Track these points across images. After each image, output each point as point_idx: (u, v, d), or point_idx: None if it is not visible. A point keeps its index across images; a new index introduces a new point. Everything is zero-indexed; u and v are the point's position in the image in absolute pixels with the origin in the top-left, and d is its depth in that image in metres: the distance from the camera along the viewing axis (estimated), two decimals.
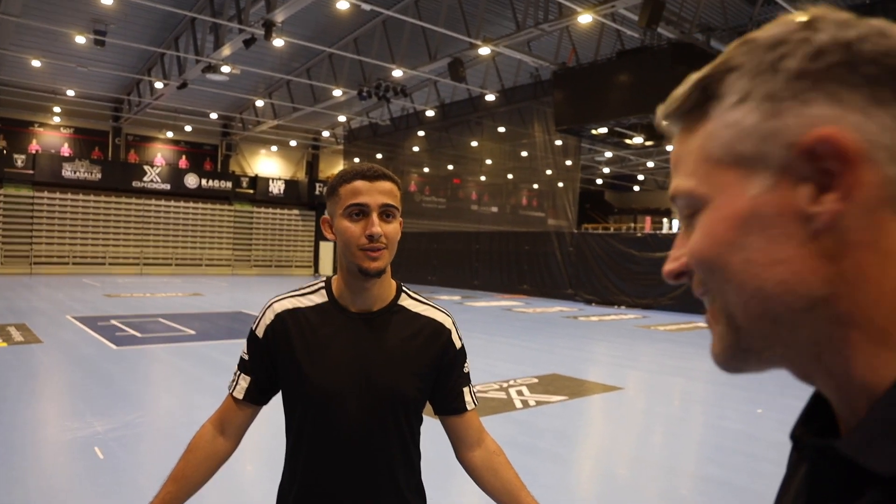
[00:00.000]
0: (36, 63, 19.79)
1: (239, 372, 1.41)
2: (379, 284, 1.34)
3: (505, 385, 6.97)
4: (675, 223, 18.74)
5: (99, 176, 26.38)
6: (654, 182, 38.09)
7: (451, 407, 1.42)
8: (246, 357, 1.41)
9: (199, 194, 28.91)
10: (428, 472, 1.44)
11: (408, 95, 21.00)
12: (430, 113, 23.30)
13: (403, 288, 1.44)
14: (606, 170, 34.28)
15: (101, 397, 6.05)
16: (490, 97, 20.51)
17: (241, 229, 30.26)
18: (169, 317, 12.07)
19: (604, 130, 16.94)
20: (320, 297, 1.39)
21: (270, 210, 31.13)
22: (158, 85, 21.43)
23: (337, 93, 21.05)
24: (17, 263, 24.75)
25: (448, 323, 1.43)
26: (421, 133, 25.63)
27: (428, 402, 1.43)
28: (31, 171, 25.01)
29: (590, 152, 27.92)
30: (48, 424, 5.17)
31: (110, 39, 17.90)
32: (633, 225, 26.00)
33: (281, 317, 1.37)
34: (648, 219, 23.10)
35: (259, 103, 25.77)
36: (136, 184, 27.26)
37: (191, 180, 28.66)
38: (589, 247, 18.37)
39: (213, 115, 27.21)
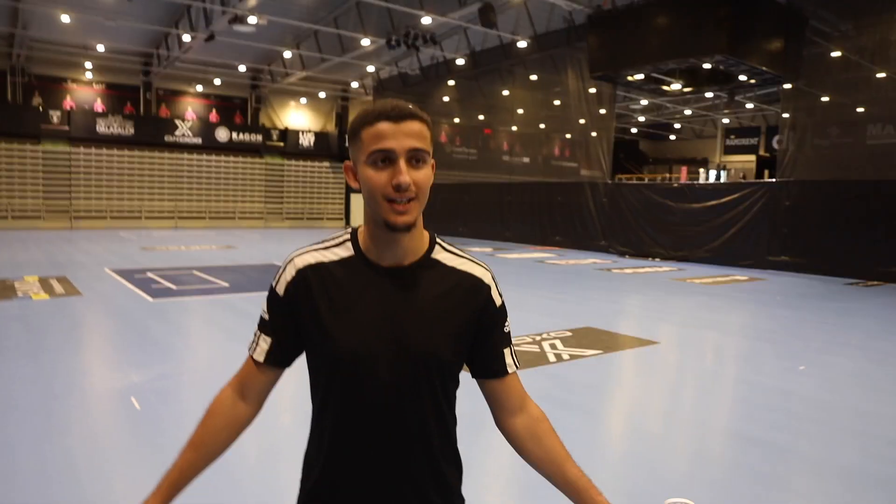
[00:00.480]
0: (65, 18, 19.73)
1: (259, 332, 1.29)
2: (409, 237, 1.21)
3: (538, 338, 6.89)
4: (713, 173, 18.19)
5: (132, 131, 26.63)
6: (692, 130, 36.92)
7: (490, 370, 1.31)
8: (266, 316, 1.28)
9: (230, 147, 29.03)
10: (461, 432, 1.34)
11: (437, 44, 20.51)
12: (460, 61, 22.72)
13: (437, 239, 1.30)
14: (641, 118, 33.30)
15: (138, 348, 6.15)
16: (522, 44, 19.89)
17: (272, 182, 30.41)
18: (203, 269, 12.24)
19: (640, 77, 16.29)
20: (346, 251, 1.26)
21: (301, 163, 31.16)
22: (186, 38, 21.28)
23: (365, 42, 20.64)
24: (58, 218, 25.34)
25: (487, 278, 1.29)
26: (451, 82, 25.10)
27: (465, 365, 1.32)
28: (66, 128, 25.33)
29: (624, 100, 27.09)
30: (88, 374, 5.27)
31: None
32: (668, 175, 25.38)
33: (303, 273, 1.24)
34: (684, 169, 22.48)
35: (287, 54, 25.48)
36: (167, 138, 27.46)
37: (221, 134, 28.76)
38: (623, 197, 17.98)
39: (242, 68, 27.06)
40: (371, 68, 26.25)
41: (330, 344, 1.20)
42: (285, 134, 30.67)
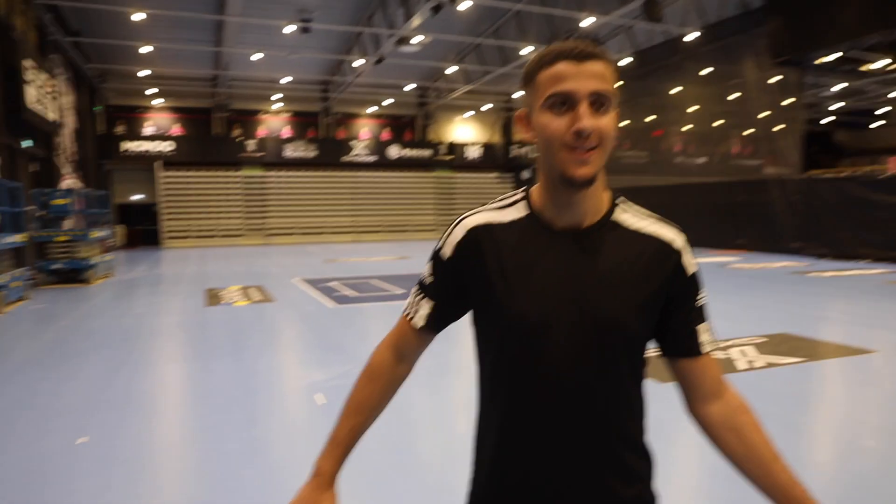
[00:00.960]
0: (255, 56, 22.03)
1: (421, 295, 1.23)
2: (589, 195, 1.09)
3: (724, 345, 6.31)
4: None
5: (314, 153, 28.98)
6: None
7: (682, 347, 1.16)
8: (429, 280, 1.22)
9: (402, 164, 30.51)
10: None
11: (601, 45, 19.94)
12: (625, 61, 21.96)
13: (620, 200, 1.17)
14: (835, 106, 29.73)
15: (321, 349, 6.56)
16: (691, 36, 18.73)
17: (442, 195, 31.47)
18: (380, 278, 12.85)
19: (833, 57, 14.55)
20: (519, 212, 1.16)
21: (469, 175, 31.93)
22: (358, 63, 22.75)
23: (526, 51, 20.67)
24: (255, 235, 28.25)
25: (678, 242, 1.15)
26: (617, 84, 24.32)
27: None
28: (260, 154, 28.24)
29: (812, 87, 24.42)
30: (278, 372, 5.69)
31: (315, 25, 19.28)
32: (871, 168, 22.36)
33: (474, 232, 1.15)
34: (893, 159, 19.63)
35: (450, 70, 26.28)
36: (344, 158, 29.53)
37: (393, 151, 30.33)
38: (817, 194, 16.10)
39: (409, 87, 28.36)
40: None
41: (501, 310, 1.11)
42: (453, 147, 31.61)
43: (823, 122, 33.61)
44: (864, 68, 15.63)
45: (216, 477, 3.39)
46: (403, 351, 1.26)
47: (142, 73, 24.40)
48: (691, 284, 1.15)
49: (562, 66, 1.03)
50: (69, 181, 14.80)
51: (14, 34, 12.94)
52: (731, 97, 20.60)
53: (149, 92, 26.84)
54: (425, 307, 1.22)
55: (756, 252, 17.77)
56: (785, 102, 17.65)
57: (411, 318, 1.23)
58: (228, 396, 4.83)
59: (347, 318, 8.36)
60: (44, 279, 12.18)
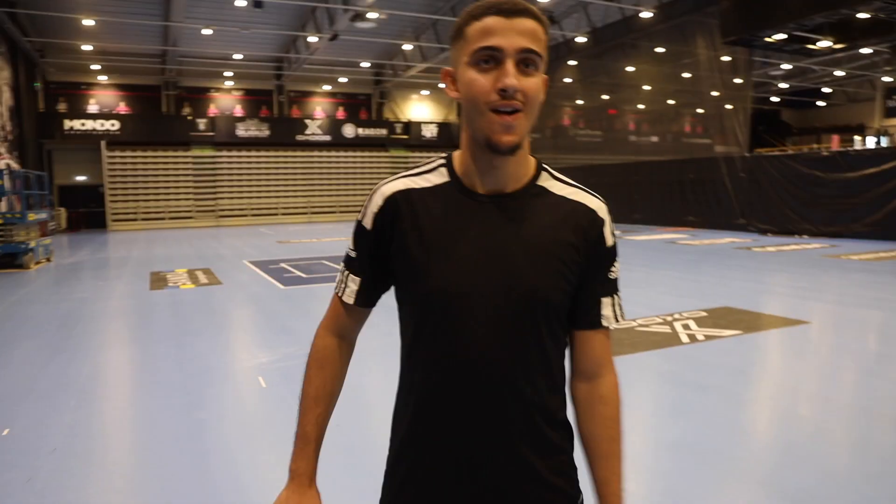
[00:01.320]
0: (206, 31, 21.32)
1: (346, 272, 1.18)
2: (514, 161, 1.05)
3: (669, 319, 6.45)
4: (871, 140, 16.19)
5: (267, 133, 28.36)
6: (844, 94, 33.13)
7: (583, 317, 1.12)
8: (353, 254, 1.17)
9: (357, 143, 30.12)
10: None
11: (557, 22, 19.95)
12: (580, 39, 22.01)
13: (545, 166, 1.13)
14: (783, 85, 30.49)
15: (267, 331, 6.45)
16: (646, 14, 18.87)
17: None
18: (331, 259, 12.70)
19: (782, 37, 14.84)
20: (440, 177, 1.11)
21: (425, 154, 31.69)
22: (312, 39, 22.26)
23: None
24: (206, 217, 27.60)
25: (602, 211, 1.11)
26: (572, 62, 24.38)
27: None
28: (211, 133, 27.48)
29: (762, 66, 24.95)
30: (221, 356, 5.55)
31: None
32: (816, 146, 23.07)
33: (392, 200, 1.11)
34: (836, 137, 20.29)
35: (407, 47, 25.95)
36: (299, 137, 28.99)
37: (348, 130, 29.91)
38: (764, 171, 16.53)
39: (365, 64, 27.92)
40: None
41: (421, 280, 1.07)
42: (409, 126, 31.33)
43: (772, 101, 34.47)
44: (811, 46, 15.95)
45: (152, 463, 3.29)
46: (342, 331, 1.22)
47: (85, 48, 23.35)
48: (608, 255, 1.12)
49: (490, 21, 0.98)
50: (3, 161, 14.16)
51: None
52: (683, 76, 20.93)
53: (93, 68, 25.75)
54: (353, 283, 1.17)
55: (705, 229, 18.21)
56: (734, 82, 18.01)
57: (342, 296, 1.19)
58: (168, 381, 4.70)
59: (296, 300, 8.23)
60: None
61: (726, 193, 17.65)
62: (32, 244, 12.19)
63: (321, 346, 1.20)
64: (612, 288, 1.14)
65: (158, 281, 9.98)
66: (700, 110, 21.64)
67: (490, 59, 0.98)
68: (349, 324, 1.21)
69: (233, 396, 4.41)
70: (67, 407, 4.12)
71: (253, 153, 28.41)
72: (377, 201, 1.12)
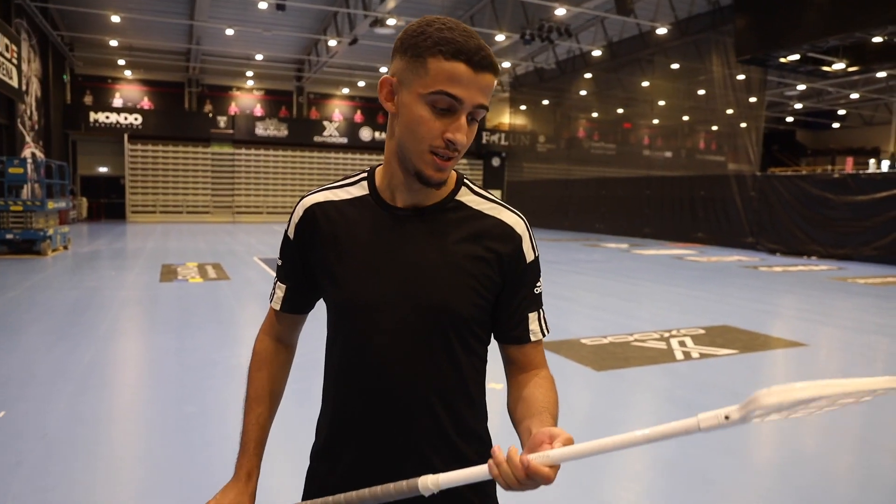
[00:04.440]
0: (229, 31, 21.68)
1: (276, 280, 1.23)
2: None
3: (666, 335, 6.49)
4: (886, 164, 16.10)
5: (286, 133, 28.69)
6: (859, 117, 32.86)
7: (511, 334, 1.13)
8: (280, 262, 1.21)
9: (373, 146, 30.36)
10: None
11: (573, 36, 20.05)
12: (596, 53, 22.10)
13: (465, 180, 1.15)
14: (798, 105, 30.33)
15: None
16: (662, 31, 18.94)
17: None
18: None
19: (795, 57, 14.87)
20: (360, 190, 1.14)
21: None
22: (332, 43, 22.53)
23: (500, 38, 20.68)
24: (223, 213, 27.97)
25: (519, 227, 1.11)
26: (588, 75, 24.47)
27: None
28: (231, 131, 27.86)
29: (778, 86, 24.92)
30: (218, 350, 5.70)
31: (290, 3, 19.02)
32: (829, 167, 22.92)
33: (311, 211, 1.14)
34: (850, 160, 20.15)
35: None
36: (317, 138, 29.29)
37: (365, 133, 30.16)
38: (774, 191, 16.50)
39: (384, 69, 28.13)
40: (507, 64, 26.26)
41: (334, 289, 1.11)
42: None
43: (787, 121, 34.28)
44: (825, 69, 15.95)
45: (140, 452, 3.43)
46: (278, 335, 1.25)
47: (112, 43, 23.84)
48: (529, 271, 1.11)
49: (460, 69, 0.96)
50: (28, 150, 14.50)
51: None
52: (698, 93, 20.92)
53: (119, 63, 26.25)
54: (280, 291, 1.22)
55: (713, 246, 18.17)
56: (748, 100, 17.99)
57: (272, 303, 1.24)
58: (164, 373, 4.86)
59: None
60: None
61: (736, 211, 17.63)
62: (50, 232, 12.49)
63: (259, 349, 1.24)
64: (537, 303, 1.14)
65: (168, 273, 10.19)
66: (714, 127, 21.61)
67: (449, 107, 0.97)
68: (282, 329, 1.25)
69: (224, 390, 4.54)
70: (64, 393, 4.27)
71: (271, 152, 28.75)
72: (298, 212, 1.15)
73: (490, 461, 0.85)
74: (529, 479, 0.82)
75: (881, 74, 21.03)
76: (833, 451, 3.69)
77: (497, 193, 1.01)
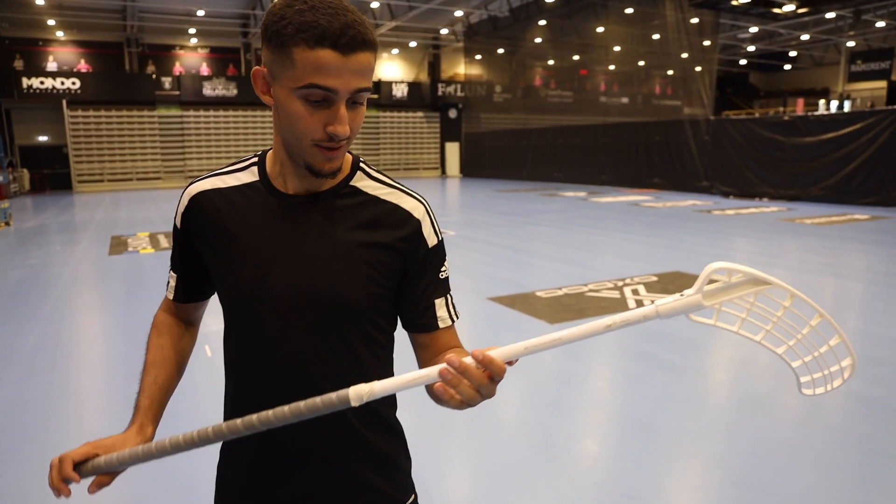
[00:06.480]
0: None
1: (169, 269, 1.20)
2: None
3: (620, 284, 6.60)
4: (834, 104, 16.44)
5: (235, 92, 27.75)
6: (810, 58, 33.40)
7: (417, 323, 1.08)
8: (172, 251, 1.18)
9: None
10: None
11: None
12: None
13: (362, 163, 1.09)
14: (751, 48, 30.58)
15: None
16: None
17: (368, 134, 30.90)
18: None
19: (746, 0, 14.88)
20: (249, 176, 1.08)
21: (395, 114, 31.36)
22: None
23: None
24: (175, 178, 27.14)
25: (419, 211, 1.06)
26: (542, 22, 24.14)
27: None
28: (177, 93, 26.80)
29: (731, 29, 25.00)
30: None
31: None
32: (781, 109, 23.30)
33: (196, 200, 1.08)
34: (801, 101, 20.51)
35: (374, 4, 25.40)
36: None
37: None
38: (727, 134, 16.72)
39: None
40: (459, 13, 25.69)
41: (222, 282, 1.06)
42: (379, 85, 30.86)
43: (741, 63, 34.61)
44: (776, 10, 16.02)
45: (91, 436, 3.35)
46: (177, 317, 1.24)
47: (38, 1, 22.46)
48: (432, 256, 1.07)
49: (326, 56, 0.88)
50: None
51: None
52: (652, 38, 20.87)
53: (49, 23, 24.82)
54: (172, 280, 1.19)
55: (669, 191, 18.44)
56: (702, 44, 18.03)
57: (166, 291, 1.22)
58: (114, 351, 4.74)
59: None
60: None
61: (691, 156, 17.86)
62: None
63: (159, 319, 1.22)
64: (443, 289, 1.09)
65: (118, 245, 9.90)
66: (669, 72, 21.66)
67: (324, 98, 0.91)
68: (179, 314, 1.23)
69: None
70: (8, 379, 4.14)
71: (221, 112, 27.83)
72: (184, 201, 1.10)
73: (442, 366, 0.82)
74: (486, 374, 0.82)
75: (830, 15, 21.23)
76: (778, 392, 3.81)
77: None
